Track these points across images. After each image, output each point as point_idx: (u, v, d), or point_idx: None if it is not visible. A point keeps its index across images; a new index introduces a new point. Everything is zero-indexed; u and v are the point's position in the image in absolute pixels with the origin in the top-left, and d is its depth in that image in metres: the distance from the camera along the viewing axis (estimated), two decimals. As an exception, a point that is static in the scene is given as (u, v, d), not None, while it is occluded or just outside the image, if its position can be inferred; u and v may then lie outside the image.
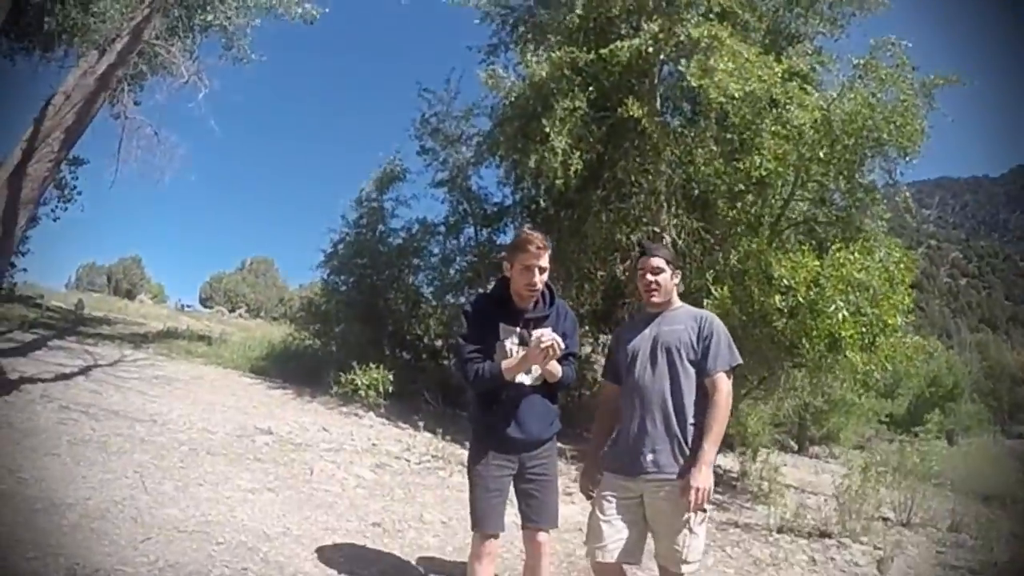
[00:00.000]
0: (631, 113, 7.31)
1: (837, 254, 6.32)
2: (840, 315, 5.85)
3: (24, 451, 3.93)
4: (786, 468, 8.40)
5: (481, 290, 10.13)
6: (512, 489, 2.59)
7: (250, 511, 3.73)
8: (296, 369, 9.77)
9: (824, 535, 5.13)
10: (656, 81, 8.42)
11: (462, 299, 10.39)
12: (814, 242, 7.56)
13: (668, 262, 2.52)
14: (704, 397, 2.39)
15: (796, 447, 15.74)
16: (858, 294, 6.01)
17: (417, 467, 5.93)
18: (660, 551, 2.39)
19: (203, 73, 9.51)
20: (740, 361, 2.45)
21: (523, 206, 9.98)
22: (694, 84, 6.81)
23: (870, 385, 9.82)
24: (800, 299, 6.06)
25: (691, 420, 2.37)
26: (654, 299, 2.52)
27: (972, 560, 4.74)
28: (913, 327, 7.45)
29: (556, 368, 2.42)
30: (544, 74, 7.57)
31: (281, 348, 11.22)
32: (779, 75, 6.84)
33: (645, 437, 2.39)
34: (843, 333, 5.87)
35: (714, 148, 7.63)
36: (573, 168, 7.47)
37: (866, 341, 6.16)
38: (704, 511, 2.32)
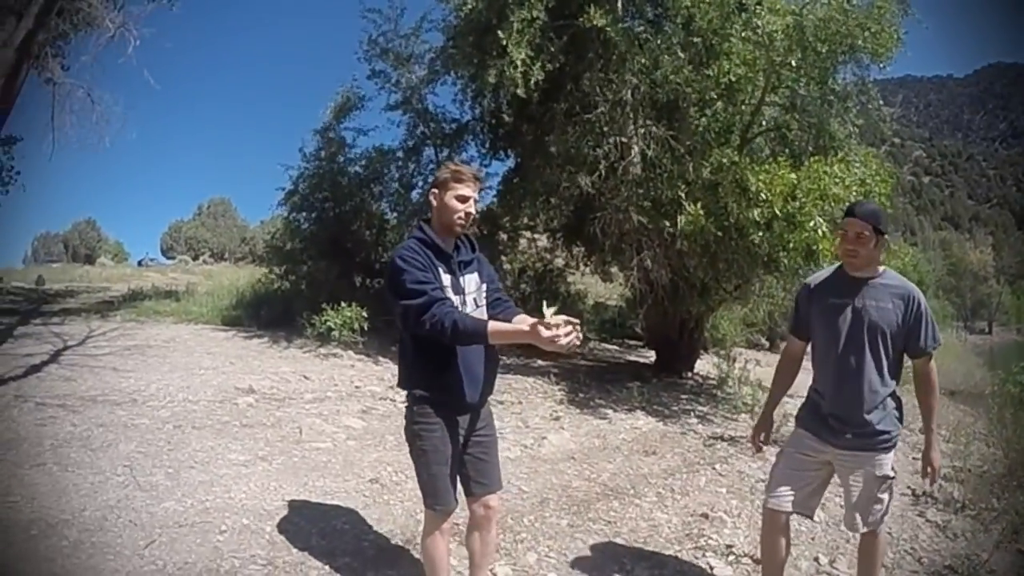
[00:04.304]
0: (593, 22, 6.86)
1: (814, 166, 6.15)
2: (820, 230, 5.76)
3: (8, 467, 3.65)
4: (759, 368, 8.43)
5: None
6: None
7: (246, 488, 3.63)
8: (268, 314, 9.54)
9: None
10: (618, -15, 7.91)
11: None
12: (787, 151, 7.35)
13: (874, 228, 2.35)
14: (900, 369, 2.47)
15: (768, 344, 15.93)
16: (834, 206, 5.89)
17: (403, 406, 5.91)
18: (849, 515, 2.51)
19: (130, 23, 8.81)
20: (942, 342, 2.49)
21: (483, 122, 9.50)
22: None
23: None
24: (777, 212, 5.93)
25: (888, 394, 2.42)
26: (853, 264, 2.43)
27: (947, 466, 4.73)
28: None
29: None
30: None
31: (250, 294, 10.90)
32: (750, -23, 6.40)
33: (848, 417, 2.40)
34: (820, 246, 5.79)
35: (681, 54, 7.22)
36: (534, 79, 7.05)
37: (841, 251, 6.12)
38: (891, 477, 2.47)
